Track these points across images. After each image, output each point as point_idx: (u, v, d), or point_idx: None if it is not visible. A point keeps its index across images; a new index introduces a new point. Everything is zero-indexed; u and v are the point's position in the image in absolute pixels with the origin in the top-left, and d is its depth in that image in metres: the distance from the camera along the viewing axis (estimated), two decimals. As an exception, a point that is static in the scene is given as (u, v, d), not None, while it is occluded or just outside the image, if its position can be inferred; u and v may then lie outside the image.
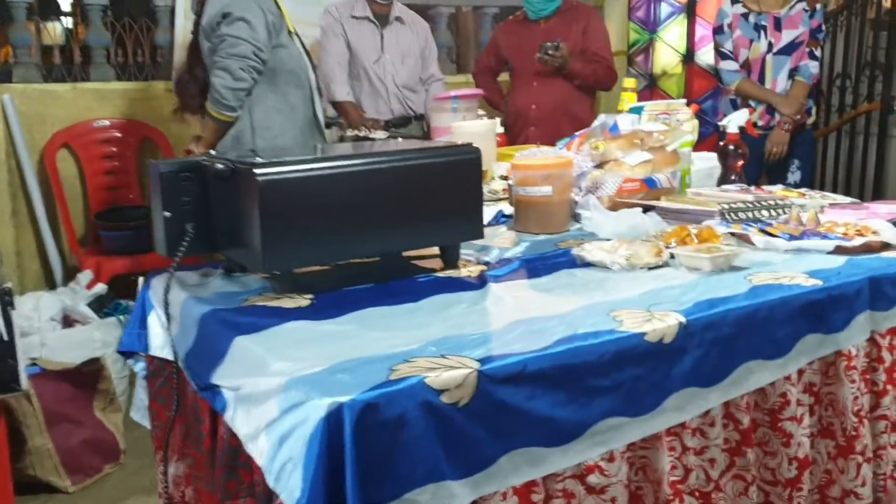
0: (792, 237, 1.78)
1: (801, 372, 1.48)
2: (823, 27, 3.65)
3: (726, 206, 1.95)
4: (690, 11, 4.41)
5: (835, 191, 6.03)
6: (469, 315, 1.42)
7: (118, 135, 4.03)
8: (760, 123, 3.66)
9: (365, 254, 1.62)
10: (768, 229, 1.82)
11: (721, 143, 2.49)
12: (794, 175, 3.81)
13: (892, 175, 5.79)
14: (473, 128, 3.00)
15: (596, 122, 2.35)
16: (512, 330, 1.32)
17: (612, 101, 5.74)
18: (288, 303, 1.51)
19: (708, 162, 2.56)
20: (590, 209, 2.03)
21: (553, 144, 3.92)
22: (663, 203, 2.03)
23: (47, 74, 4.05)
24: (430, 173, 1.65)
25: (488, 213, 2.21)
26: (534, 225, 2.04)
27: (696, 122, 2.36)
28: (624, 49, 4.92)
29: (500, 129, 3.33)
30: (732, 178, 2.49)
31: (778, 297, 1.45)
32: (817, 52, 3.68)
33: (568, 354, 1.24)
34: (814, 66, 3.64)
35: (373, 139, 3.68)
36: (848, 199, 2.25)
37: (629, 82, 2.68)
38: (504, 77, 4.32)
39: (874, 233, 1.79)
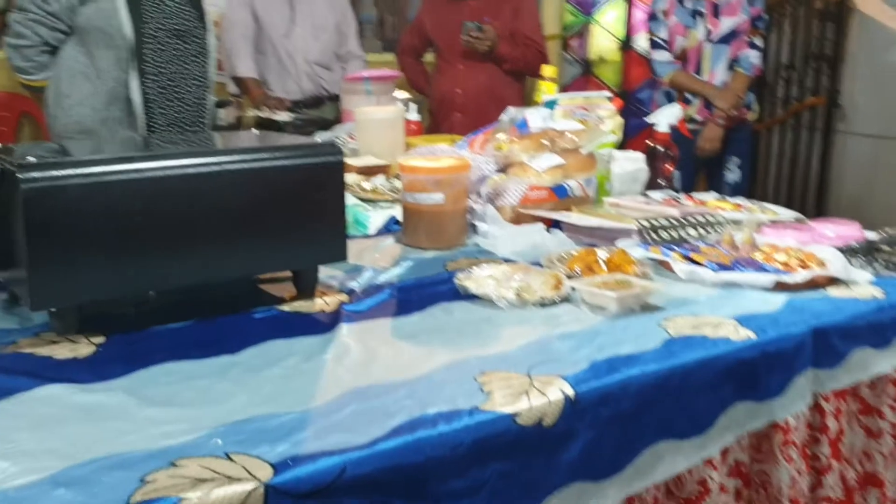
0: (721, 267, 1.46)
1: (725, 451, 1.17)
2: (765, 15, 3.34)
3: (646, 224, 1.63)
4: (628, -6, 4.11)
5: (777, 189, 5.82)
6: (294, 378, 1.07)
7: (-8, 108, 3.58)
8: (698, 118, 3.36)
9: (179, 283, 1.25)
10: (693, 255, 1.50)
11: (649, 144, 2.18)
12: (733, 174, 3.54)
13: (837, 171, 5.60)
14: (376, 114, 2.65)
15: (503, 117, 2.01)
16: (341, 407, 0.98)
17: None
18: (63, 350, 1.15)
19: (634, 163, 2.24)
20: (487, 222, 1.69)
21: (479, 133, 3.62)
22: (572, 217, 1.70)
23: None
24: (275, 180, 1.29)
25: (380, 217, 1.86)
26: (423, 238, 1.70)
27: (619, 119, 2.04)
28: (559, 32, 4.60)
29: (416, 116, 2.97)
30: (661, 182, 2.18)
31: (698, 357, 1.13)
32: (759, 42, 3.37)
33: (407, 449, 0.90)
34: (755, 57, 3.34)
35: (276, 121, 3.30)
36: (791, 215, 1.95)
37: (548, 70, 2.34)
38: (431, 58, 3.96)
39: (820, 264, 1.48)
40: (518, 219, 1.75)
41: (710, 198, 2.07)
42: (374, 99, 3.34)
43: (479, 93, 3.60)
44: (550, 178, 1.77)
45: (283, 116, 3.29)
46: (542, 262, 1.51)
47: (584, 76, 4.36)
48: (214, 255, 1.26)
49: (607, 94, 2.15)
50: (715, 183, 3.48)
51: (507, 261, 1.56)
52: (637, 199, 1.91)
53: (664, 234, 1.63)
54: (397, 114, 2.66)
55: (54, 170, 1.13)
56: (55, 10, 2.39)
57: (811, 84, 5.50)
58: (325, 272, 1.46)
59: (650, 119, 2.20)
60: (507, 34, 3.56)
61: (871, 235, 1.71)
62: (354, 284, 1.44)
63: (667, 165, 2.18)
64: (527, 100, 3.80)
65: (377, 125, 2.63)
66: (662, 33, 3.38)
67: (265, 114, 3.31)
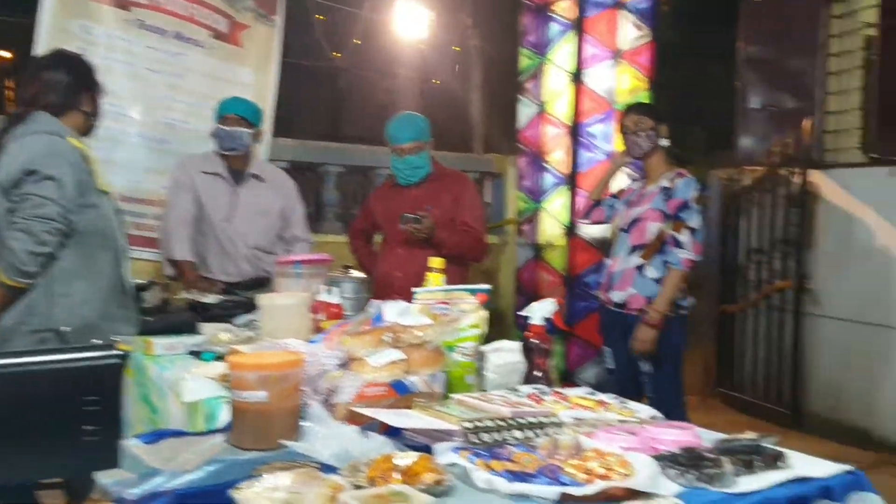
0: (516, 476, 1.41)
1: None
2: (694, 205, 3.32)
3: (469, 425, 1.59)
4: (572, 183, 4.22)
5: (754, 370, 5.71)
6: None
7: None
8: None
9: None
10: (493, 463, 1.46)
11: (524, 336, 2.17)
12: (644, 365, 3.41)
13: (811, 353, 5.50)
14: (278, 300, 2.69)
15: (369, 309, 2.03)
16: None
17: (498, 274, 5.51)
18: None
19: (511, 356, 2.23)
20: (312, 421, 1.67)
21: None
22: (391, 418, 1.66)
23: None
24: (38, 383, 1.29)
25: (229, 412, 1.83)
26: (247, 438, 1.66)
27: (483, 313, 2.04)
28: (507, 221, 4.74)
29: (336, 300, 3.00)
30: (537, 374, 2.15)
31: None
32: (684, 237, 3.28)
33: None
34: (682, 251, 3.27)
35: (204, 304, 3.36)
36: (648, 413, 1.90)
37: (435, 262, 2.38)
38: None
39: (626, 475, 1.43)
40: (352, 418, 1.72)
41: (577, 393, 2.04)
42: (304, 282, 3.41)
43: (418, 277, 3.62)
44: (389, 373, 1.76)
45: (210, 299, 3.34)
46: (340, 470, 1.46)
47: (534, 260, 4.42)
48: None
49: (477, 287, 2.16)
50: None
51: (326, 466, 1.52)
52: (490, 396, 1.87)
53: (486, 437, 1.58)
54: (302, 300, 2.69)
55: None
56: (73, 218, 2.52)
57: (780, 268, 5.53)
58: (123, 473, 1.43)
59: (523, 313, 2.21)
60: (447, 221, 3.65)
61: (708, 442, 1.65)
62: (133, 492, 1.40)
63: (542, 360, 2.15)
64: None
65: (280, 311, 2.66)
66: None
67: (192, 296, 3.37)
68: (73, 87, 2.72)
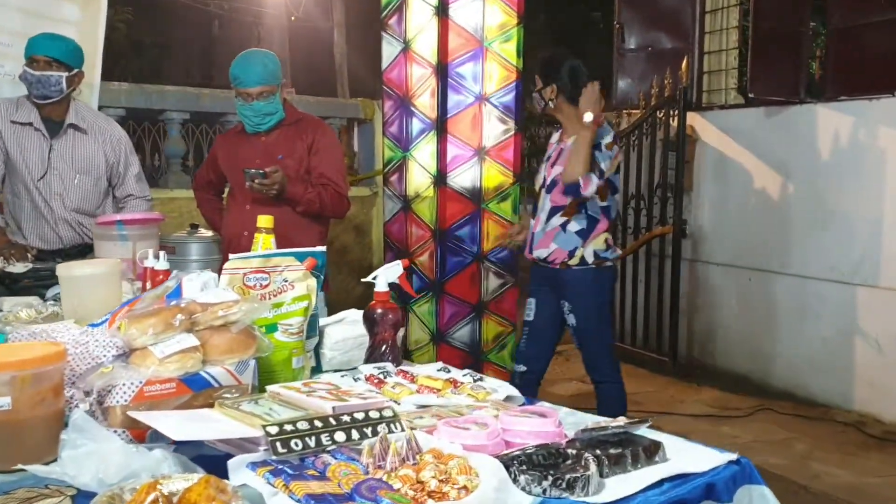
0: (326, 499, 1.08)
1: None
2: (603, 148, 3.12)
3: (274, 430, 1.25)
4: (441, 129, 3.88)
5: (634, 319, 5.60)
6: None
7: None
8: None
9: None
10: (294, 485, 1.12)
11: (368, 309, 1.83)
12: (570, 318, 3.27)
13: (689, 298, 5.43)
14: (81, 270, 2.24)
15: (168, 282, 1.64)
16: None
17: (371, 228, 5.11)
18: None
19: (353, 328, 1.90)
20: (70, 432, 1.28)
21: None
22: (169, 424, 1.29)
23: None
24: None
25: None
26: (-9, 456, 1.28)
27: (312, 282, 1.68)
28: (377, 172, 4.38)
29: (164, 265, 2.57)
30: (384, 350, 1.83)
31: None
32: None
33: None
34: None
35: (11, 274, 2.87)
36: (506, 392, 1.61)
37: (263, 220, 2.00)
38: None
39: (466, 486, 1.12)
40: (132, 425, 1.34)
41: (425, 372, 1.73)
42: (130, 245, 2.96)
43: (268, 237, 3.26)
44: (179, 366, 1.39)
45: (18, 268, 2.86)
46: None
47: (403, 212, 4.08)
48: None
49: (306, 251, 1.80)
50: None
51: (83, 494, 1.16)
52: (315, 384, 1.53)
53: (296, 444, 1.25)
54: (111, 269, 2.26)
55: None
56: None
57: (659, 213, 5.39)
58: None
59: (367, 279, 1.87)
60: (301, 173, 3.26)
61: (572, 431, 1.36)
62: None
63: (388, 333, 1.83)
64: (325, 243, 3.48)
65: (82, 283, 2.23)
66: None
67: (0, 265, 2.88)
68: None
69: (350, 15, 9.05)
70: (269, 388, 1.49)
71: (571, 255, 3.22)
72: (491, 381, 1.67)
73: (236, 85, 3.20)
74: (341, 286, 4.71)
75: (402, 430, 1.30)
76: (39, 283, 2.82)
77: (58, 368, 1.34)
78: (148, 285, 2.59)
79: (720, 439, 3.86)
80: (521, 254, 3.69)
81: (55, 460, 1.28)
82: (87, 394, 1.39)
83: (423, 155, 3.95)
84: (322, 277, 1.86)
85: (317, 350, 1.89)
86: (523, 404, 1.61)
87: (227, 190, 3.50)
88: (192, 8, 11.41)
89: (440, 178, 3.89)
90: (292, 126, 3.31)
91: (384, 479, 1.15)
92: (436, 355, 3.93)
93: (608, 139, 3.17)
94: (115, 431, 1.34)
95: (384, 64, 4.10)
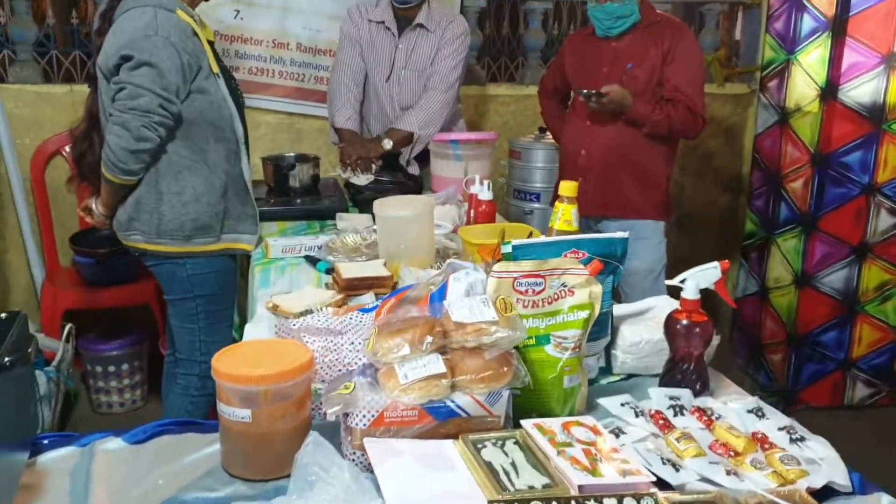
0: None
1: None
2: None
3: (499, 512, 1.05)
4: (838, 29, 3.12)
5: None
6: None
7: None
8: None
9: None
10: None
11: (671, 318, 1.51)
12: None
13: None
14: (391, 212, 2.21)
15: (431, 273, 1.48)
16: None
17: (742, 134, 4.38)
18: None
19: (654, 332, 1.60)
20: (303, 459, 1.21)
21: (607, 206, 2.97)
22: (388, 470, 1.13)
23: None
24: None
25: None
26: (238, 465, 1.26)
27: (596, 289, 1.40)
28: (757, 67, 3.72)
29: (487, 195, 2.46)
30: (687, 370, 1.51)
31: None
32: None
33: None
34: None
35: (356, 185, 2.98)
36: (822, 479, 1.22)
37: (566, 187, 1.73)
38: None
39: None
40: (364, 452, 1.23)
41: (733, 413, 1.39)
42: (462, 166, 2.89)
43: (606, 157, 2.99)
44: (423, 393, 1.24)
45: (361, 180, 2.95)
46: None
47: (779, 126, 3.47)
48: None
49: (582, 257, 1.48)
50: None
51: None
52: (574, 430, 1.28)
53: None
54: (423, 208, 2.20)
55: None
56: (176, 110, 2.20)
57: None
58: None
59: (673, 281, 1.54)
60: (653, 84, 2.90)
61: None
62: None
63: (693, 351, 1.50)
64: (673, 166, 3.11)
65: (394, 224, 2.20)
66: None
67: (346, 175, 2.99)
68: None
69: None
70: (525, 424, 1.29)
71: None
72: (815, 447, 1.29)
73: (587, -20, 2.89)
74: (704, 196, 4.26)
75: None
76: (381, 195, 2.87)
77: (303, 380, 1.27)
78: (472, 213, 2.51)
79: None
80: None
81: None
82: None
83: (812, 60, 3.26)
84: (621, 269, 1.58)
85: (608, 349, 1.64)
86: (852, 494, 1.22)
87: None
88: None
89: (829, 91, 3.19)
90: (647, 30, 2.93)
91: None
92: (797, 300, 3.40)
93: None
94: (354, 454, 1.25)
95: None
